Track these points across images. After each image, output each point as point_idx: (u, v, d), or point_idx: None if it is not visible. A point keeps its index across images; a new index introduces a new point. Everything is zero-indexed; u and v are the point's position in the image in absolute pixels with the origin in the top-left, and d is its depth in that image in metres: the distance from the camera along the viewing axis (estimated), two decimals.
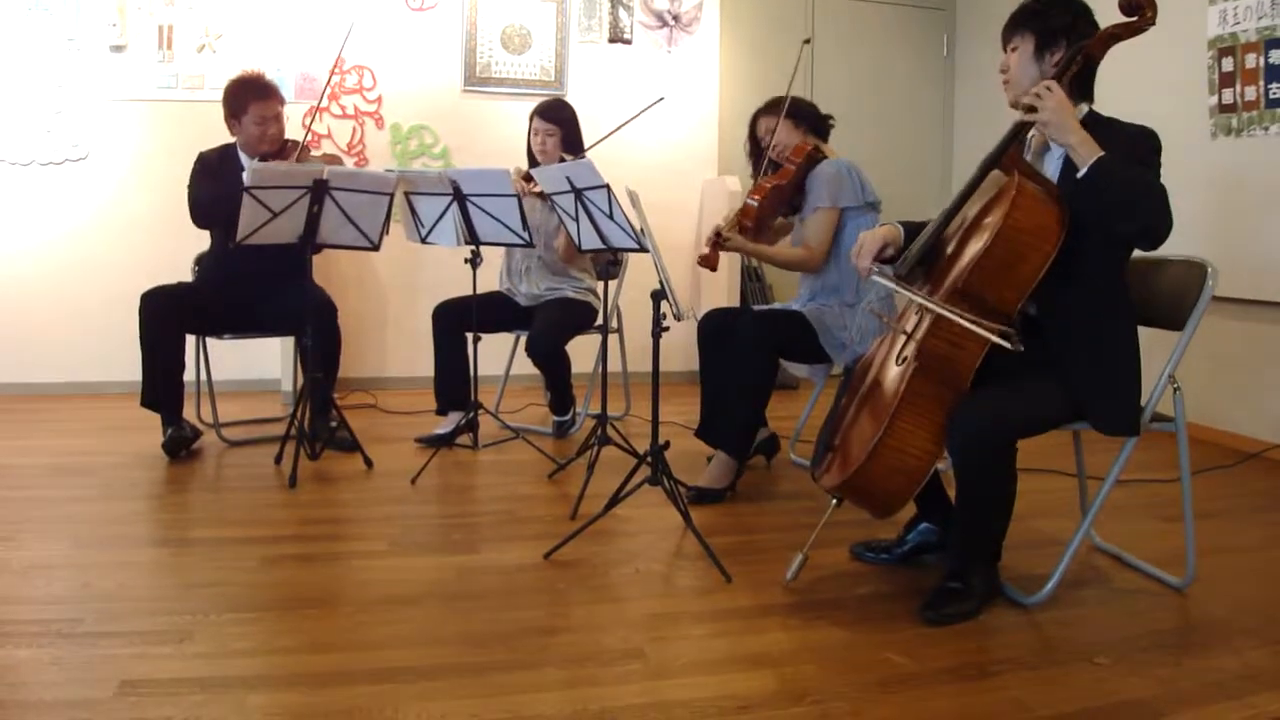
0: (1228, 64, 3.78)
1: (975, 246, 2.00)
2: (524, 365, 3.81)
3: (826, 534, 2.26)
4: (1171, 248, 2.04)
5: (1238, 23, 3.73)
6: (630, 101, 4.47)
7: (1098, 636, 2.02)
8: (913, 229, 2.26)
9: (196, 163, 3.49)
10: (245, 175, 3.01)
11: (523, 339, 3.69)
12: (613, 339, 3.79)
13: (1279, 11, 3.57)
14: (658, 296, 2.53)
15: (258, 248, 3.05)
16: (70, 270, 4.63)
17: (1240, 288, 3.71)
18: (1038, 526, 2.70)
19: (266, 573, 2.33)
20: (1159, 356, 2.19)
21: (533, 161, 3.74)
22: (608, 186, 2.70)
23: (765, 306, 3.39)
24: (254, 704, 1.68)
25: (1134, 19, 2.01)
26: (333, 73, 3.79)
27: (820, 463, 2.26)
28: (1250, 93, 3.70)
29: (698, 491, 2.90)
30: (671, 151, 5.23)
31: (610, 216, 2.77)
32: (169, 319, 3.35)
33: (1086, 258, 2.02)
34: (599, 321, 3.61)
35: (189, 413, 3.53)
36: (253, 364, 4.70)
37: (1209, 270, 2.12)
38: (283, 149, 3.45)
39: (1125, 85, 3.25)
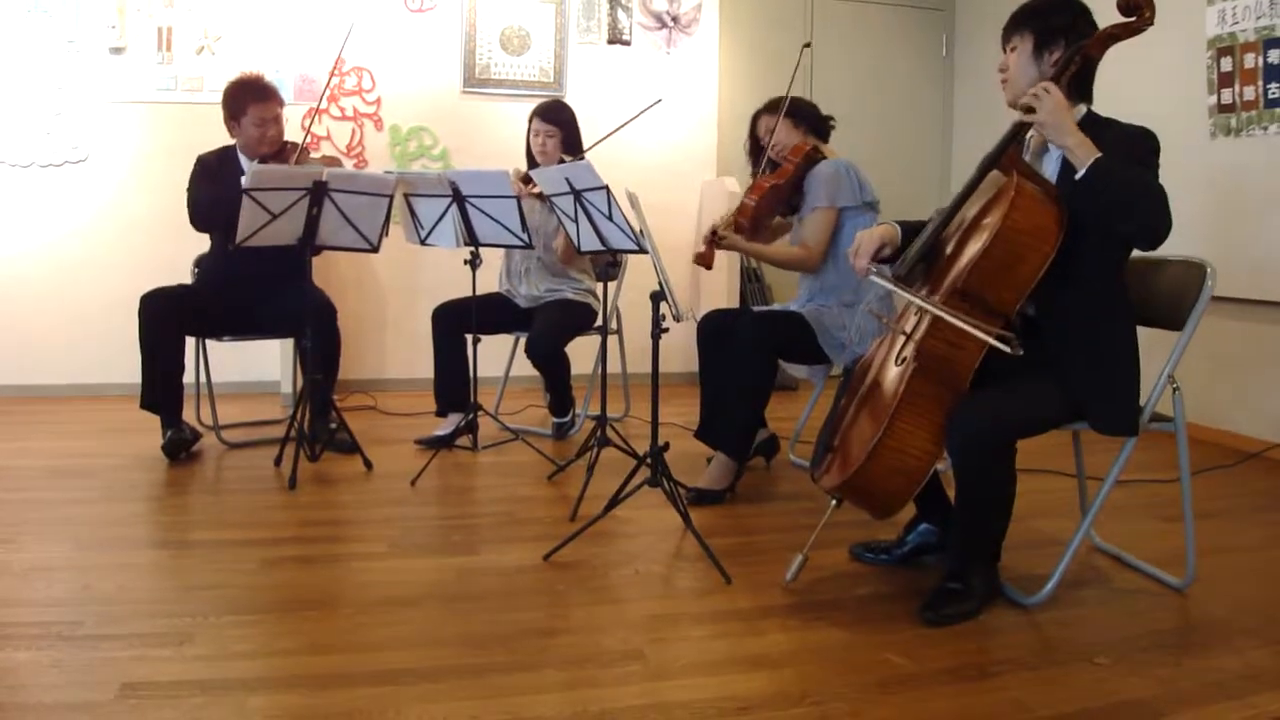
0: (1226, 64, 3.78)
1: (974, 247, 2.00)
2: (523, 367, 3.81)
3: (826, 535, 2.26)
4: (1170, 248, 2.04)
5: (1236, 22, 3.73)
6: (629, 103, 4.47)
7: (1098, 637, 2.02)
8: (910, 229, 2.26)
9: (196, 165, 3.49)
10: (244, 177, 3.01)
11: (522, 340, 3.69)
12: (612, 340, 3.80)
13: (1277, 11, 3.57)
14: (657, 298, 2.53)
15: (257, 250, 3.05)
16: (70, 272, 4.63)
17: (1239, 287, 3.71)
18: (1037, 527, 2.70)
19: (266, 575, 2.33)
20: (1158, 357, 2.19)
21: (532, 163, 3.74)
22: (607, 188, 2.70)
23: (764, 307, 3.39)
24: (254, 706, 1.68)
25: (1132, 19, 2.01)
26: (332, 74, 3.80)
27: (820, 463, 2.26)
28: (1249, 92, 3.70)
29: (697, 493, 2.90)
30: (670, 153, 5.23)
31: (609, 218, 2.77)
32: (168, 321, 3.35)
33: (1085, 258, 2.02)
34: (598, 323, 3.61)
35: (189, 415, 3.53)
36: (252, 366, 4.70)
37: (1208, 270, 2.12)
38: (282, 151, 3.45)
39: (1124, 85, 3.25)
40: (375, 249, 3.24)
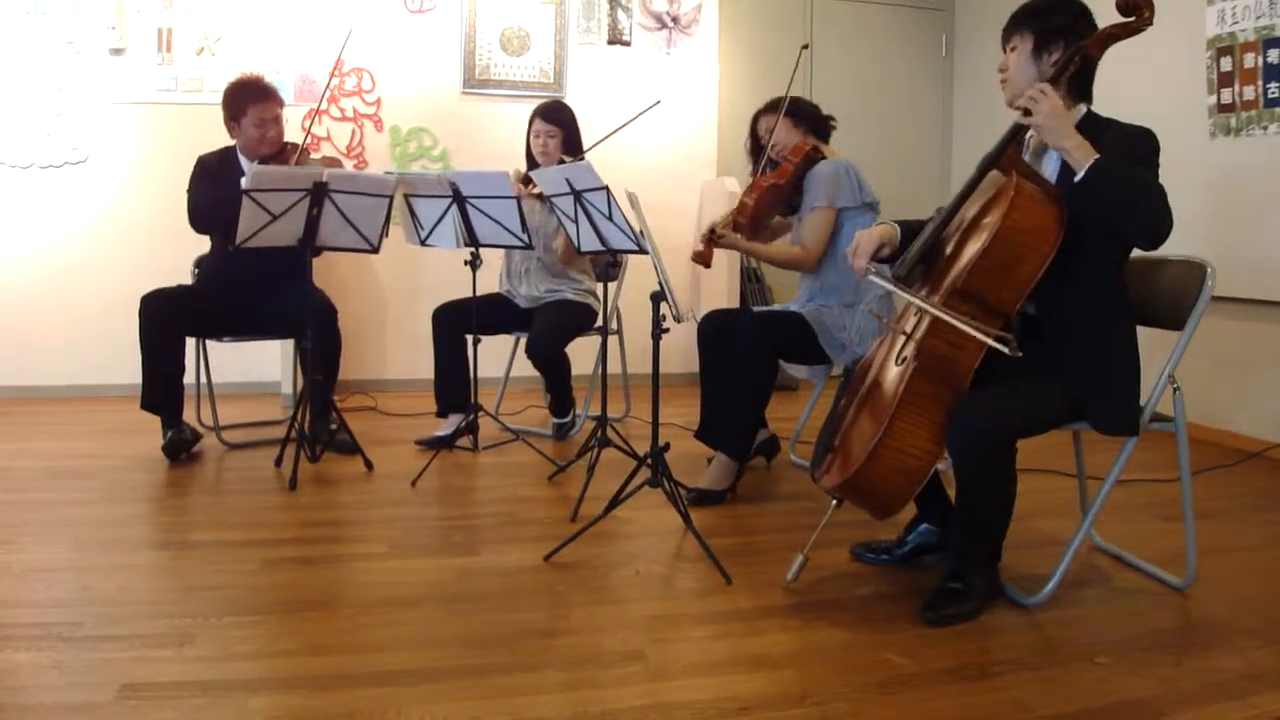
0: (1226, 64, 3.78)
1: (974, 247, 2.00)
2: (524, 367, 3.82)
3: (827, 535, 2.26)
4: (1170, 248, 2.04)
5: (1236, 22, 3.73)
6: (629, 103, 4.47)
7: (1098, 636, 2.02)
8: (909, 228, 2.26)
9: (196, 166, 3.49)
10: (244, 178, 3.01)
11: (522, 341, 3.69)
12: (612, 341, 3.80)
13: (1277, 11, 3.57)
14: (657, 298, 2.53)
15: (257, 250, 3.05)
16: (70, 273, 4.63)
17: (1239, 287, 3.71)
18: (1038, 526, 2.70)
19: (267, 575, 2.33)
20: (1159, 356, 2.19)
21: (532, 163, 3.74)
22: (607, 188, 2.70)
23: (765, 308, 3.39)
24: (255, 707, 1.68)
25: (1131, 19, 2.01)
26: (332, 75, 3.80)
27: (820, 463, 2.26)
28: (1249, 92, 3.70)
29: (698, 493, 2.90)
30: (670, 153, 5.23)
31: (609, 218, 2.77)
32: (169, 322, 3.35)
33: (1085, 258, 2.02)
34: (599, 323, 3.61)
35: (189, 415, 3.53)
36: (253, 367, 4.70)
37: (1208, 270, 2.12)
38: (282, 151, 3.45)
39: (1124, 85, 3.25)
40: (375, 250, 3.25)
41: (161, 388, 3.36)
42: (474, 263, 3.35)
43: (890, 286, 2.14)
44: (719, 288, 4.94)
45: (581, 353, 3.75)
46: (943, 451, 2.02)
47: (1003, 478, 2.03)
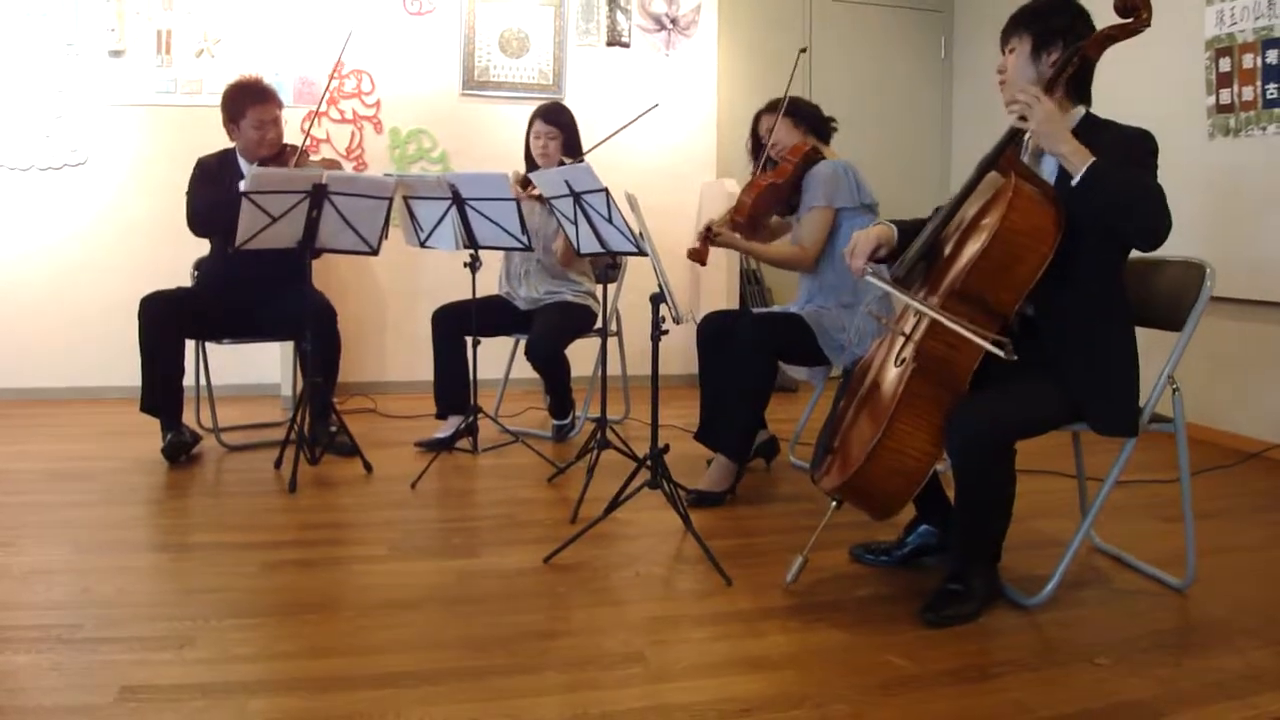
0: (1225, 64, 3.78)
1: (972, 248, 2.01)
2: (523, 369, 3.81)
3: (826, 536, 2.26)
4: (1169, 248, 2.04)
5: (1235, 23, 3.73)
6: (628, 105, 4.47)
7: (1098, 637, 2.02)
8: (907, 229, 2.26)
9: (195, 169, 3.49)
10: (243, 180, 3.02)
11: (522, 343, 3.70)
12: (612, 342, 3.80)
13: (1276, 12, 3.57)
14: (657, 300, 2.53)
15: (257, 252, 3.05)
16: (69, 275, 4.63)
17: (1238, 288, 3.71)
18: (1038, 527, 2.70)
19: (267, 578, 2.33)
20: (1158, 357, 2.19)
21: (531, 165, 3.75)
22: (606, 190, 2.70)
23: (764, 309, 3.39)
24: (255, 709, 1.68)
25: (1129, 20, 2.01)
26: (331, 77, 3.81)
27: (820, 465, 2.26)
28: (1248, 93, 3.70)
29: (697, 494, 2.90)
30: (670, 155, 5.23)
31: (609, 220, 2.77)
32: (168, 324, 3.35)
33: (1083, 260, 2.02)
34: (598, 325, 3.61)
35: (188, 418, 3.53)
36: (252, 369, 4.69)
37: (1207, 271, 2.12)
38: (281, 153, 3.45)
39: (1123, 86, 3.25)
40: (375, 252, 3.25)
41: (161, 390, 3.36)
42: (473, 265, 3.35)
43: (887, 287, 2.14)
44: (718, 289, 4.94)
45: (581, 354, 3.75)
46: (942, 453, 2.02)
47: (1002, 479, 2.03)
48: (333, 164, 3.44)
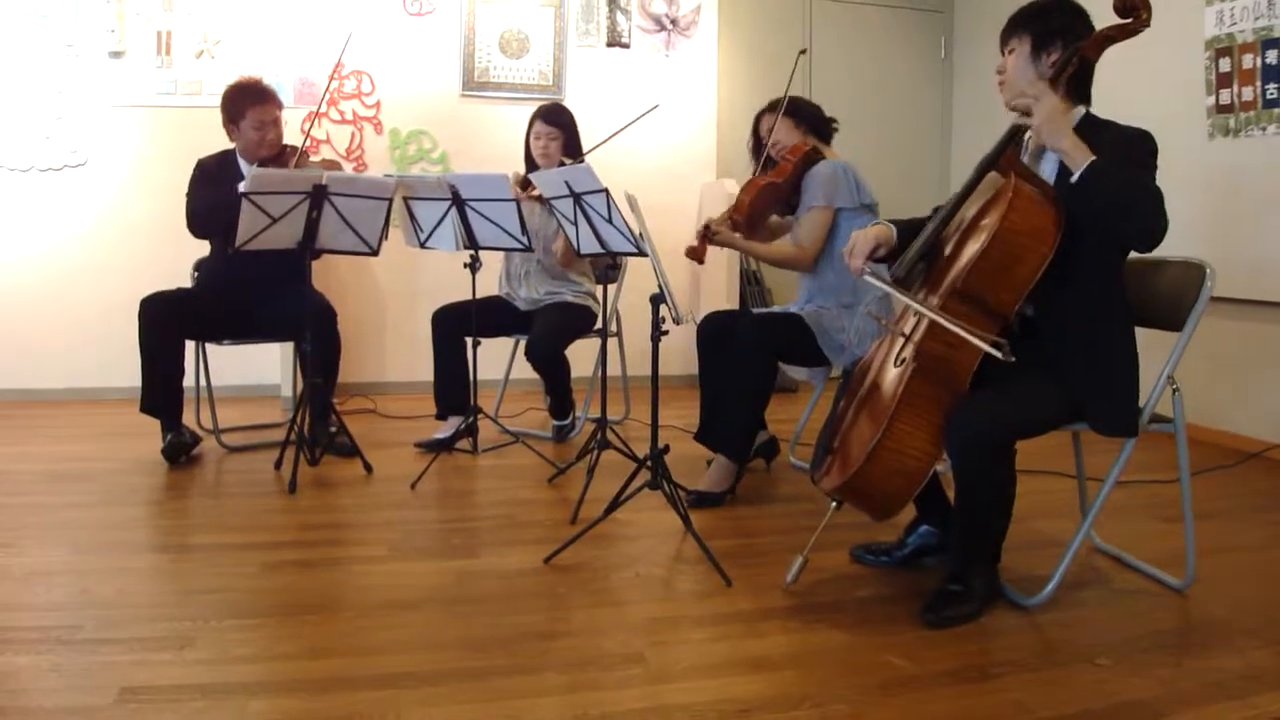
0: (1225, 64, 3.78)
1: (972, 248, 2.01)
2: (523, 369, 3.81)
3: (826, 537, 2.26)
4: (1169, 249, 2.04)
5: (1235, 23, 3.74)
6: (628, 105, 4.47)
7: (1098, 638, 2.02)
8: (906, 228, 2.26)
9: (196, 170, 3.49)
10: (243, 181, 3.02)
11: (522, 343, 3.70)
12: (612, 343, 3.80)
13: (1276, 12, 3.57)
14: (657, 300, 2.53)
15: (257, 253, 3.05)
16: (69, 276, 4.64)
17: (1238, 288, 3.71)
18: (1038, 528, 2.70)
19: (267, 578, 2.33)
20: (1158, 357, 2.19)
21: (531, 165, 3.75)
22: (606, 190, 2.70)
23: (764, 309, 3.39)
24: (255, 710, 1.68)
25: (1129, 20, 2.01)
26: (331, 78, 3.80)
27: (820, 465, 2.26)
28: (1247, 93, 3.71)
29: (697, 495, 2.90)
30: (670, 155, 5.23)
31: (609, 220, 2.77)
32: (168, 325, 3.35)
33: (1083, 260, 2.02)
34: (598, 325, 3.61)
35: (189, 418, 3.53)
36: (252, 369, 4.70)
37: (1207, 271, 2.12)
38: (281, 154, 3.46)
39: (1123, 86, 3.26)
40: (375, 252, 3.25)
41: (161, 391, 3.36)
42: (473, 265, 3.35)
43: (886, 288, 2.14)
44: (718, 289, 4.94)
45: (581, 355, 3.75)
46: (942, 453, 2.02)
47: (1002, 479, 2.03)
48: (332, 165, 3.44)
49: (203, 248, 3.65)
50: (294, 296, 3.28)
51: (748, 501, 3.00)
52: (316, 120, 4.67)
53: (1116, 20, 2.02)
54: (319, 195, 3.03)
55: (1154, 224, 1.90)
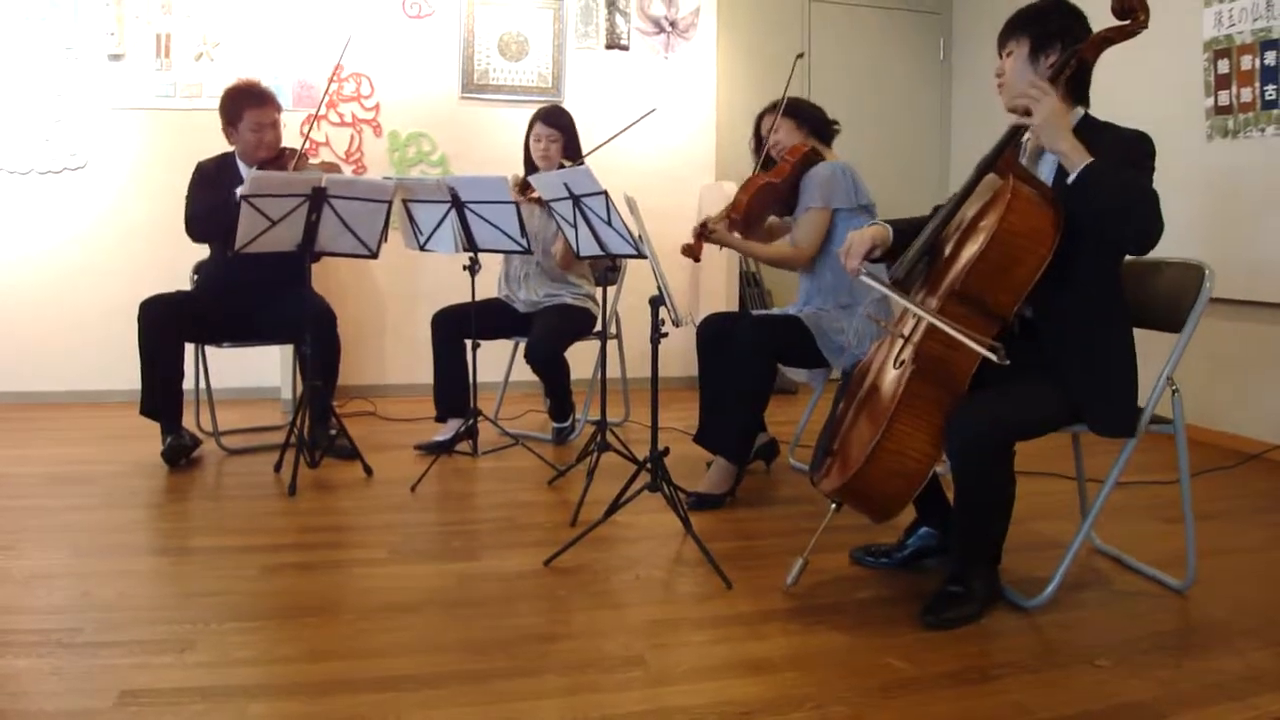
0: (1223, 66, 3.79)
1: (971, 249, 2.01)
2: (523, 372, 3.81)
3: (826, 539, 2.26)
4: (1168, 250, 2.04)
5: (1233, 24, 3.74)
6: (628, 108, 4.48)
7: (1098, 639, 2.02)
8: (903, 228, 2.26)
9: (195, 173, 3.49)
10: (242, 184, 3.02)
11: (522, 345, 3.70)
12: (612, 345, 3.80)
13: (1274, 13, 3.58)
14: (656, 302, 2.53)
15: (256, 256, 3.05)
16: (69, 279, 4.64)
17: (1237, 289, 3.72)
18: (1038, 529, 2.70)
19: (267, 581, 2.33)
20: (1157, 358, 2.19)
21: (531, 168, 3.75)
22: (605, 193, 2.71)
23: (764, 311, 3.39)
24: (255, 713, 1.68)
25: (1126, 22, 2.01)
26: (331, 80, 3.81)
27: (819, 467, 2.26)
28: (1246, 94, 3.71)
29: (697, 497, 2.91)
30: (669, 157, 5.24)
31: (608, 223, 2.77)
32: (168, 327, 3.35)
33: (1081, 261, 2.03)
34: (598, 327, 3.61)
35: (188, 421, 3.53)
36: (252, 372, 4.70)
37: (1206, 272, 2.12)
38: (280, 156, 3.46)
39: (1121, 87, 3.26)
40: (374, 255, 3.25)
41: (161, 393, 3.36)
42: (473, 268, 3.35)
43: (881, 288, 2.14)
44: (718, 291, 4.94)
45: (581, 357, 3.75)
46: (941, 454, 2.02)
47: (1002, 480, 2.03)
48: (331, 167, 3.44)
49: (202, 250, 3.65)
50: (294, 299, 3.28)
51: (748, 503, 3.00)
52: (316, 123, 4.67)
53: (1114, 22, 2.03)
54: (318, 198, 3.03)
55: (1150, 226, 1.90)
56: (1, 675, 1.80)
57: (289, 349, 4.27)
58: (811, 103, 3.33)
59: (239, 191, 2.99)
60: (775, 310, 3.33)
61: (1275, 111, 3.60)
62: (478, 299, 3.47)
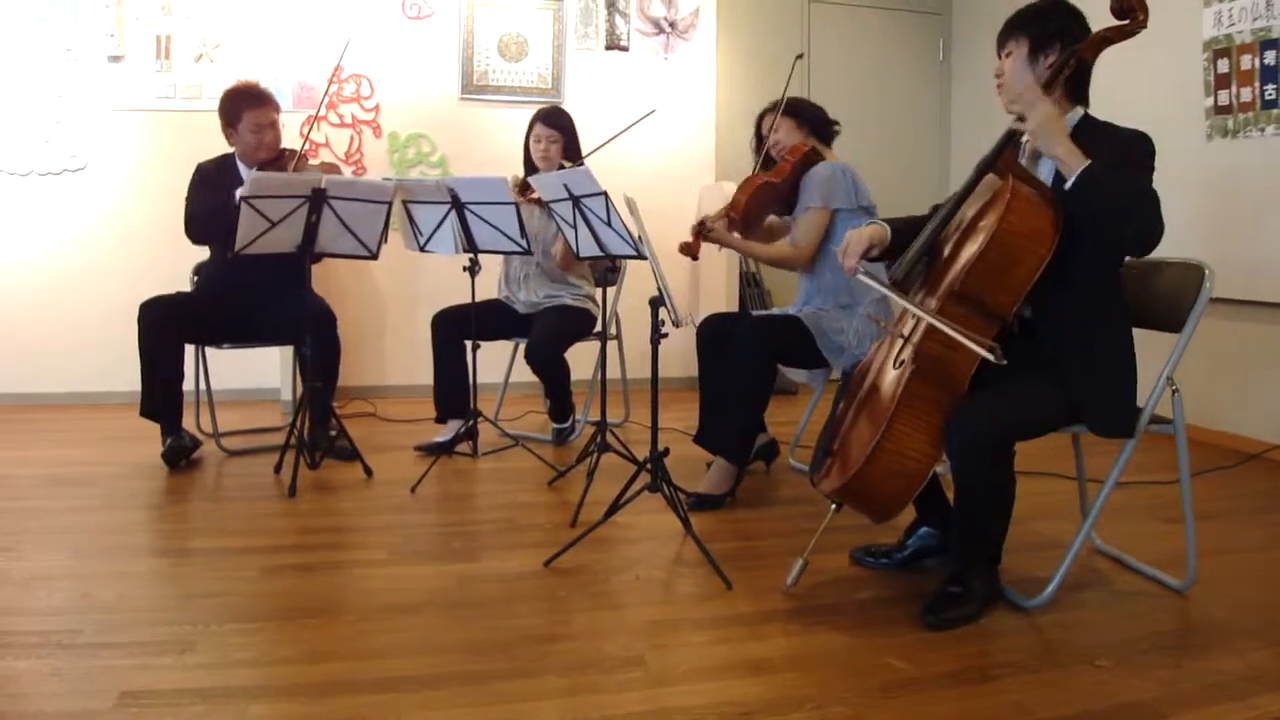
0: (1223, 65, 3.79)
1: (970, 249, 2.01)
2: (523, 373, 3.81)
3: (826, 539, 2.26)
4: (1168, 250, 2.04)
5: (1233, 24, 3.74)
6: (627, 108, 4.48)
7: (1098, 639, 2.02)
8: (901, 227, 2.26)
9: (195, 174, 3.49)
10: (242, 185, 3.02)
11: (522, 346, 3.70)
12: (612, 346, 3.80)
13: (1274, 13, 3.58)
14: (656, 303, 2.53)
15: (256, 257, 3.05)
16: (69, 280, 4.64)
17: (1237, 289, 3.71)
18: (1038, 529, 2.70)
19: (267, 582, 2.33)
20: (1157, 358, 2.19)
21: (531, 168, 3.75)
22: (605, 193, 2.71)
23: (764, 312, 3.39)
24: (255, 714, 1.68)
25: (1125, 22, 2.01)
26: (330, 81, 3.81)
27: (819, 467, 2.26)
28: (1246, 94, 3.71)
29: (697, 498, 2.91)
30: (669, 158, 5.24)
31: (608, 223, 2.77)
32: (168, 329, 3.35)
33: (1080, 262, 2.03)
34: (598, 328, 3.61)
35: (188, 422, 3.53)
36: (252, 373, 4.70)
37: (1206, 272, 2.12)
38: (280, 157, 3.46)
39: (1121, 87, 3.26)
40: (374, 256, 3.25)
41: (161, 395, 3.36)
42: (473, 268, 3.35)
43: (879, 288, 2.14)
44: (718, 292, 4.94)
45: (581, 358, 3.75)
46: (941, 454, 2.02)
47: (1001, 480, 2.03)
48: (331, 168, 3.44)
49: (202, 251, 3.65)
50: (294, 300, 3.28)
51: (747, 504, 3.00)
52: (315, 124, 4.67)
53: (1114, 22, 2.03)
54: (318, 199, 3.03)
55: (1150, 226, 1.90)
56: (1, 676, 1.80)
57: (289, 350, 4.27)
58: (813, 103, 3.33)
59: (239, 193, 3.00)
60: (775, 310, 3.34)
61: (1275, 111, 3.61)
62: (478, 300, 3.47)
